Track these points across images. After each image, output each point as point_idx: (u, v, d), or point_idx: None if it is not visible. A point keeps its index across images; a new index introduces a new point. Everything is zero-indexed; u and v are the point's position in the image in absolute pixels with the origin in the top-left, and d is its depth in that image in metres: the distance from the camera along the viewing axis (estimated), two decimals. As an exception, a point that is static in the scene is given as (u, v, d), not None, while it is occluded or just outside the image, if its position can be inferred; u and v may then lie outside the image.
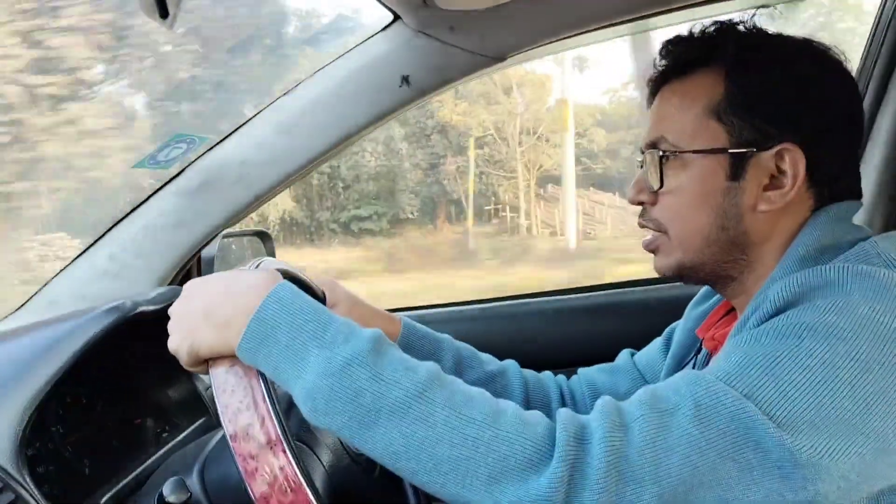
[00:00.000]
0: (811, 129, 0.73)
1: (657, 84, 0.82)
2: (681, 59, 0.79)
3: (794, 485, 0.56)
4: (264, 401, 0.65)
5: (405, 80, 1.08)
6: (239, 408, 0.65)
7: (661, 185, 0.77)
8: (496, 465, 0.57)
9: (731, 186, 0.74)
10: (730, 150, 0.74)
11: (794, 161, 0.73)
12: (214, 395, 0.66)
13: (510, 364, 1.03)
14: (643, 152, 0.81)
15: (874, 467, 0.58)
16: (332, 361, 0.60)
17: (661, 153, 0.77)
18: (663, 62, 0.81)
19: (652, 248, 0.82)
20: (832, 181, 0.75)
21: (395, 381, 0.60)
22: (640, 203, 0.82)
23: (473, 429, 0.58)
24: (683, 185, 0.76)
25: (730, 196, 0.75)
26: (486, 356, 1.03)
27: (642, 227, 0.83)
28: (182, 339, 0.67)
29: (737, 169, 0.74)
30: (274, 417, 0.64)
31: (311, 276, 0.93)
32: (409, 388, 0.59)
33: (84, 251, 1.17)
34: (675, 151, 0.76)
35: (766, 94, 0.73)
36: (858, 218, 0.78)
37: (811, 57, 0.75)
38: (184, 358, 0.68)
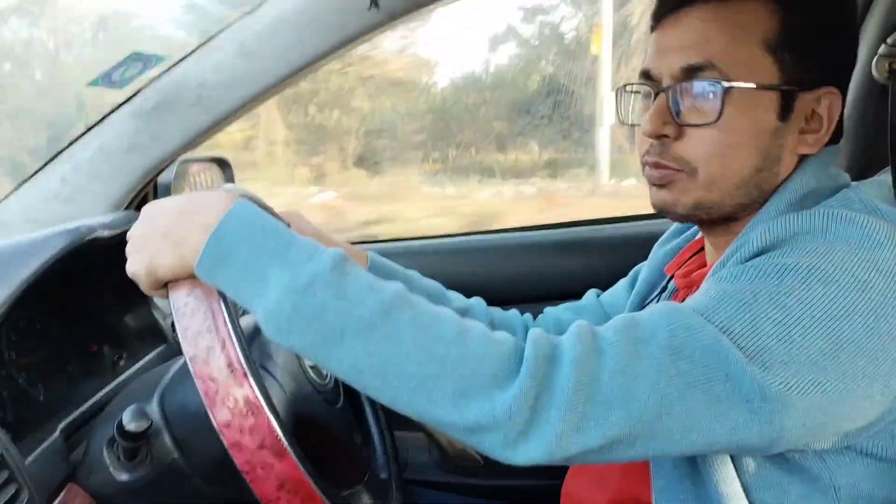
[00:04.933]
0: (846, 73, 0.73)
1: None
2: None
3: (761, 419, 0.58)
4: (225, 324, 0.63)
5: (374, 2, 1.03)
6: (199, 330, 0.63)
7: (719, 118, 0.69)
8: (463, 382, 0.57)
9: (779, 127, 0.71)
10: (783, 88, 0.70)
11: (830, 105, 0.72)
12: (174, 318, 0.65)
13: (476, 301, 1.04)
14: (645, 78, 0.75)
15: (839, 406, 0.60)
16: (295, 280, 0.59)
17: (724, 84, 0.69)
18: None
19: (662, 183, 0.74)
20: (838, 127, 0.75)
21: (360, 300, 0.59)
22: (661, 136, 0.72)
23: (440, 347, 0.58)
24: (734, 121, 0.70)
25: (776, 137, 0.71)
26: (453, 293, 1.02)
27: (657, 166, 0.73)
28: (140, 262, 0.66)
29: (785, 109, 0.71)
30: (235, 341, 0.63)
31: (276, 209, 0.90)
32: (374, 306, 0.58)
33: (35, 173, 1.12)
34: (732, 82, 0.69)
35: (818, 34, 0.71)
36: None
37: None
38: (143, 280, 0.66)
